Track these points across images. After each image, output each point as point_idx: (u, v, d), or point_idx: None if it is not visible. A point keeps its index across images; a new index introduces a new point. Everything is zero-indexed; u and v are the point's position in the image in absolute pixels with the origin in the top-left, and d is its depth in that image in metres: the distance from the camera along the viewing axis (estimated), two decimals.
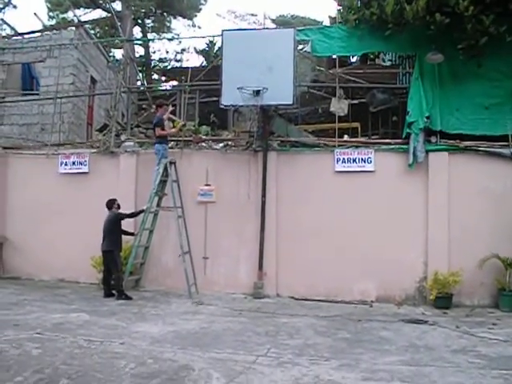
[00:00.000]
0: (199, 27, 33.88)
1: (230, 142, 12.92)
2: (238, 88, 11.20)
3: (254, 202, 12.27)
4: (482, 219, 11.35)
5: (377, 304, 11.44)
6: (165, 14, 31.55)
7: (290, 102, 11.48)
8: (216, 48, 26.91)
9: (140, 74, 24.46)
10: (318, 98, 15.04)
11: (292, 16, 34.87)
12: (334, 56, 13.67)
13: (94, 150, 13.45)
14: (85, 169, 13.44)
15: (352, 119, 13.79)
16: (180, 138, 12.91)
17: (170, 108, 12.85)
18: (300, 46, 13.04)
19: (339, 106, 12.88)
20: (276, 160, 12.40)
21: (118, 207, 11.88)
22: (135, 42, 27.83)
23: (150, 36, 32.24)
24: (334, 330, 8.75)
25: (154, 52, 34.28)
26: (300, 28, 13.12)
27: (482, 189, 11.49)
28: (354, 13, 12.41)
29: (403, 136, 12.04)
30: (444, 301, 10.99)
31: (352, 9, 12.57)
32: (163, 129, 12.12)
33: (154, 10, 30.72)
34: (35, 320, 8.85)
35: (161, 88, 19.77)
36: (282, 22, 32.12)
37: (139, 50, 31.94)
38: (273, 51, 11.50)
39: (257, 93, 11.31)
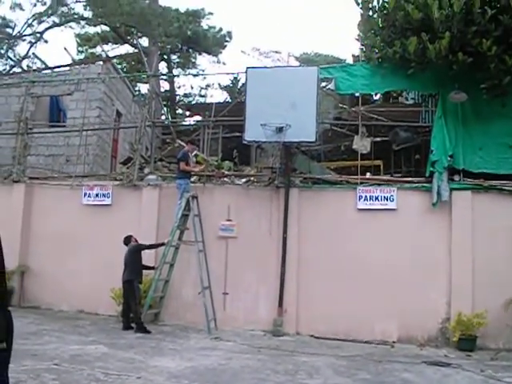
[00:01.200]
0: (224, 63, 34.43)
1: (252, 178, 12.96)
2: (261, 124, 11.16)
3: (276, 238, 12.22)
4: (507, 259, 11.14)
5: (398, 345, 11.23)
6: (190, 50, 32.18)
7: (313, 139, 11.46)
8: (240, 84, 27.43)
9: (165, 109, 24.70)
10: (341, 136, 15.01)
11: (315, 54, 35.14)
12: (357, 94, 13.68)
13: (118, 183, 13.52)
14: (108, 201, 13.47)
15: (374, 157, 13.72)
16: (202, 173, 13.03)
17: (196, 151, 13.06)
18: (323, 84, 13.10)
19: (362, 144, 12.91)
20: (298, 197, 12.36)
21: (136, 242, 11.94)
22: (161, 77, 28.45)
23: (175, 72, 32.91)
24: (354, 371, 8.54)
25: (179, 87, 34.96)
26: (323, 66, 13.31)
27: (506, 228, 11.28)
28: (377, 51, 12.48)
29: (426, 174, 11.98)
30: (468, 343, 10.71)
31: (375, 47, 12.65)
32: (187, 164, 12.22)
33: (179, 46, 31.38)
34: (53, 351, 8.79)
35: (185, 123, 20.01)
36: (305, 60, 32.40)
37: (164, 85, 32.51)
38: (296, 88, 11.48)
39: (280, 129, 11.27)
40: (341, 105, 14.42)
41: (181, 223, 12.10)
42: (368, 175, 12.86)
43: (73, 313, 13.12)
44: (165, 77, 30.96)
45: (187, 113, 23.19)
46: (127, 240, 11.79)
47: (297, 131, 11.25)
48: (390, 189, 12.02)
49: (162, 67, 32.45)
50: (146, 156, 14.77)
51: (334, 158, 15.08)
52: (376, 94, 15.83)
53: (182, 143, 14.47)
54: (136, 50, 26.37)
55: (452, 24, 11.10)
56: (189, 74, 33.17)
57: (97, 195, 13.59)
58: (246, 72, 11.92)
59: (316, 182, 12.53)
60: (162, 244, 11.98)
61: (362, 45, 13.35)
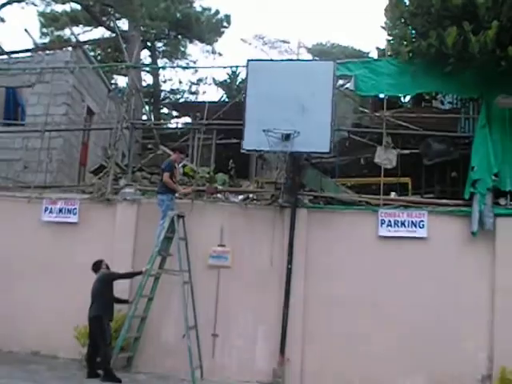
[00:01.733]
0: (220, 54, 34.15)
1: (251, 195, 12.90)
2: (263, 130, 11.16)
3: (278, 269, 12.16)
4: None
5: None
6: (179, 36, 31.98)
7: (327, 150, 11.44)
8: (239, 80, 27.23)
9: (147, 107, 24.63)
10: (361, 146, 14.91)
11: (332, 45, 34.87)
12: (382, 96, 13.69)
13: (87, 196, 13.45)
14: (74, 218, 13.38)
15: (401, 173, 13.78)
16: (189, 195, 12.95)
17: (185, 160, 13.01)
18: (340, 82, 13.10)
19: (386, 157, 12.80)
20: (306, 219, 12.30)
21: (107, 268, 11.80)
22: (143, 68, 28.24)
23: (160, 62, 32.69)
24: None
25: (165, 81, 34.85)
26: (341, 61, 13.27)
27: None
28: (408, 44, 12.40)
29: (465, 196, 11.92)
30: None
31: (405, 39, 12.60)
32: (173, 177, 12.10)
33: (166, 31, 31.11)
34: None
35: (171, 125, 20.09)
36: (319, 52, 32.20)
37: (147, 79, 32.42)
38: (307, 87, 11.50)
39: (286, 137, 11.28)
40: (361, 109, 14.36)
41: (163, 248, 12.01)
42: (393, 195, 12.97)
43: (26, 355, 12.83)
44: (148, 68, 30.85)
45: (174, 113, 23.43)
46: (97, 266, 11.66)
47: (307, 139, 11.24)
48: (419, 213, 11.94)
49: (145, 56, 32.37)
50: (123, 164, 14.75)
51: (352, 174, 15.05)
52: (405, 97, 15.94)
53: (168, 151, 14.49)
54: (113, 35, 26.23)
55: (501, 11, 10.95)
56: (177, 65, 33.02)
57: (60, 211, 13.47)
58: (246, 65, 11.92)
59: (329, 202, 12.51)
60: (139, 273, 11.83)
61: (390, 35, 13.36)
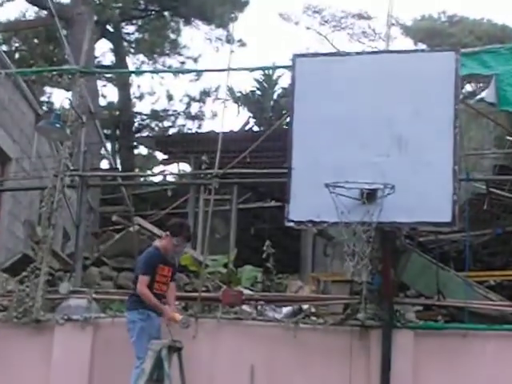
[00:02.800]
0: (242, 44, 25.72)
1: (306, 307, 10.23)
2: (326, 185, 8.49)
3: None
4: None
5: None
6: (166, 14, 25.09)
7: (447, 220, 8.59)
8: (278, 91, 23.12)
9: (109, 147, 20.64)
10: (510, 209, 12.63)
11: (451, 20, 26.32)
12: None
13: None
14: None
15: None
16: (193, 294, 10.53)
17: (186, 244, 10.27)
18: (467, 87, 12.75)
19: None
20: (412, 348, 9.34)
21: None
22: (100, 74, 21.77)
23: (132, 62, 26.17)
24: None
25: (141, 97, 27.97)
26: (471, 49, 10.34)
27: None
28: None
29: None
30: None
31: None
32: (155, 283, 9.22)
33: (143, 5, 24.44)
34: None
35: (154, 179, 18.09)
36: (428, 33, 25.01)
37: (109, 93, 26.07)
38: (407, 101, 8.98)
39: (369, 196, 8.64)
40: (510, 138, 12.39)
41: None
42: None
43: None
44: (110, 74, 24.34)
45: (159, 155, 19.87)
46: None
47: (409, 200, 8.73)
48: None
49: (104, 51, 25.43)
50: (64, 254, 12.73)
51: (496, 263, 12.69)
52: None
53: (150, 227, 12.77)
54: (45, 13, 20.71)
55: None
56: (164, 67, 25.56)
57: None
58: (291, 64, 9.47)
59: (454, 317, 9.80)
60: None
61: None
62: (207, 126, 26.68)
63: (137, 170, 23.06)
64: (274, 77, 23.73)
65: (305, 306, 10.17)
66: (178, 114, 27.57)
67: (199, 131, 23.60)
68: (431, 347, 9.30)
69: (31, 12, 22.65)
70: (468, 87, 11.13)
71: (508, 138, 12.95)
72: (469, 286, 10.14)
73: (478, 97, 11.94)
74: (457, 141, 8.58)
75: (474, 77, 11.00)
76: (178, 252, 9.95)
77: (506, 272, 12.49)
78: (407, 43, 24.47)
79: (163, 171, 18.64)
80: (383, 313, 9.16)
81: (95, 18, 20.29)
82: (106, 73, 24.20)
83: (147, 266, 9.00)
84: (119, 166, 20.78)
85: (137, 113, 26.45)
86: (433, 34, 24.37)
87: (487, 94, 10.09)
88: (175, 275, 9.80)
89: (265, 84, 23.99)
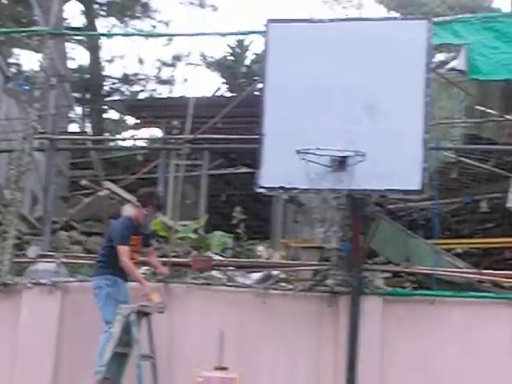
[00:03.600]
0: (213, 7, 26.77)
1: (276, 272, 10.17)
2: (297, 151, 8.53)
3: None
4: None
5: None
6: None
7: (416, 187, 8.63)
8: (250, 58, 23.33)
9: (78, 110, 20.74)
10: (480, 177, 12.81)
11: None
12: None
13: None
14: None
15: None
16: (163, 259, 10.08)
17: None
18: (438, 56, 12.74)
19: None
20: (381, 315, 9.32)
21: None
22: (70, 36, 21.56)
23: (102, 25, 26.08)
24: None
25: (112, 61, 28.17)
26: (442, 18, 10.52)
27: None
28: None
29: None
30: None
31: None
32: (135, 254, 9.34)
33: None
34: None
35: (123, 143, 17.05)
36: (400, 1, 26.08)
37: (79, 56, 26.24)
38: (379, 70, 8.92)
39: (341, 163, 8.69)
40: (480, 107, 11.86)
41: (110, 374, 8.86)
42: None
43: None
44: (80, 37, 24.26)
45: (130, 120, 19.66)
46: None
47: (380, 168, 8.74)
48: None
49: (74, 13, 25.49)
50: (33, 218, 12.42)
51: (465, 231, 12.95)
52: None
53: (120, 192, 12.60)
54: None
55: None
56: (135, 32, 25.43)
57: None
58: (264, 30, 9.35)
59: (422, 285, 9.90)
60: None
61: None
62: (178, 91, 26.94)
63: (107, 134, 23.19)
64: (247, 42, 23.74)
65: (275, 272, 10.19)
66: (149, 78, 27.75)
67: (170, 96, 23.69)
68: (399, 313, 9.36)
69: None
70: (439, 56, 11.20)
71: (478, 107, 12.95)
72: (437, 253, 10.26)
73: (449, 66, 11.75)
74: (427, 109, 8.62)
75: (445, 46, 11.09)
76: (149, 221, 10.01)
77: (474, 240, 12.70)
78: (380, 12, 25.28)
79: (133, 136, 18.61)
80: (352, 279, 9.22)
81: None
82: (76, 35, 23.72)
83: (124, 236, 9.07)
84: (89, 130, 20.61)
85: (107, 76, 26.48)
86: (405, 3, 25.18)
87: (458, 63, 10.16)
88: (150, 240, 9.90)
89: (237, 50, 23.97)
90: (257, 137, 9.00)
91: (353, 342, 9.02)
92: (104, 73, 26.29)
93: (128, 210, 10.75)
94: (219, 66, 24.48)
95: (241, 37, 22.22)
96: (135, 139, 18.23)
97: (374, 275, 9.51)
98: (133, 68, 28.16)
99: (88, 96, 24.21)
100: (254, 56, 22.97)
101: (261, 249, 12.20)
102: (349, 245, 9.28)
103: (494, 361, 9.01)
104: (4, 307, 9.99)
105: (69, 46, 22.37)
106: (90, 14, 24.36)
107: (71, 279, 9.99)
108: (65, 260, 10.32)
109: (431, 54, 9.05)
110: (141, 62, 28.31)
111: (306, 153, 8.35)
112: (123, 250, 9.02)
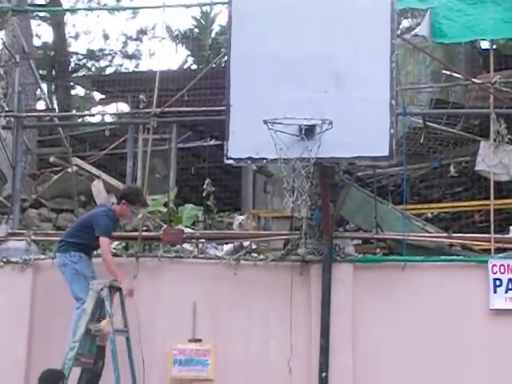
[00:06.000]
0: None
1: (247, 243, 10.34)
2: (264, 121, 8.38)
3: (303, 377, 9.09)
4: None
5: None
6: None
7: (385, 153, 8.60)
8: (216, 27, 23.31)
9: (44, 87, 20.19)
10: (447, 142, 12.54)
11: None
12: (485, 45, 12.06)
13: None
14: None
15: None
16: (134, 233, 10.35)
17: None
18: (404, 23, 13.24)
19: (498, 161, 10.15)
20: (351, 282, 9.46)
21: None
22: (33, 12, 21.64)
23: (67, 1, 25.43)
24: None
25: (77, 36, 27.84)
26: None
27: None
28: None
29: None
30: None
31: None
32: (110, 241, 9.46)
33: None
34: None
35: (91, 119, 17.32)
36: None
37: (44, 33, 26.47)
38: (344, 37, 8.92)
39: (308, 131, 8.52)
40: (446, 72, 11.80)
41: (83, 351, 8.79)
42: None
43: None
44: (44, 13, 24.01)
45: (96, 95, 19.49)
46: None
47: (347, 135, 8.68)
48: None
49: None
50: (1, 196, 12.56)
51: (434, 196, 12.73)
52: None
53: (86, 166, 12.78)
54: None
55: None
56: (99, 7, 25.74)
57: None
58: (228, 1, 9.32)
59: (393, 250, 9.92)
60: None
61: None
62: (145, 65, 26.80)
63: (74, 110, 22.93)
64: (212, 14, 23.58)
65: (246, 243, 10.26)
66: (115, 53, 27.54)
67: (137, 70, 23.62)
68: (370, 280, 9.42)
69: None
70: (405, 23, 11.23)
71: (444, 72, 12.87)
72: (406, 218, 10.29)
73: (415, 31, 11.61)
74: (394, 75, 8.56)
75: (410, 12, 11.15)
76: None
77: (443, 204, 12.67)
78: None
79: (101, 111, 18.40)
80: (323, 247, 9.24)
81: None
82: (40, 11, 23.44)
83: (109, 228, 9.07)
84: (56, 107, 20.40)
85: (73, 52, 26.23)
86: None
87: (420, 29, 10.19)
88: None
89: (202, 21, 23.83)
90: (224, 108, 8.94)
91: (325, 309, 9.03)
92: (69, 49, 26.03)
93: (101, 192, 10.95)
94: (185, 38, 24.33)
95: (206, 8, 22.16)
96: (103, 114, 18.10)
97: (344, 242, 9.55)
98: (98, 43, 27.98)
99: (54, 73, 23.97)
100: (219, 28, 22.82)
101: (241, 218, 12.13)
102: (319, 213, 9.25)
103: (465, 323, 9.02)
104: None
105: (33, 22, 21.78)
106: None
107: (42, 256, 9.94)
108: (35, 238, 10.33)
109: (396, 19, 8.90)
110: (106, 37, 28.16)
111: (274, 122, 8.26)
112: (106, 243, 9.01)
